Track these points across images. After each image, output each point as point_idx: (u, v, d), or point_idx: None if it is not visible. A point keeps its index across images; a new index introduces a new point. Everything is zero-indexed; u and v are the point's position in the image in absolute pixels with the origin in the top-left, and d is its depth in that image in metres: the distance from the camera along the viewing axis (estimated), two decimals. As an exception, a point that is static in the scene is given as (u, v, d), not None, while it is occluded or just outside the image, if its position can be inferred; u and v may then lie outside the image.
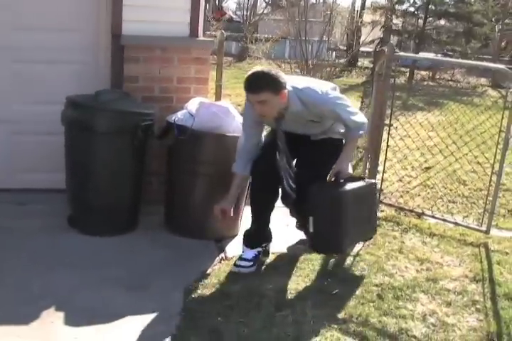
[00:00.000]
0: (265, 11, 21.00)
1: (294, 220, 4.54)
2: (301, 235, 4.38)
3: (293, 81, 3.92)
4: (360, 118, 3.98)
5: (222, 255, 4.19)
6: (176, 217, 4.56)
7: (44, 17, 4.95)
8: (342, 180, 3.87)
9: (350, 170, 4.05)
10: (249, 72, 3.79)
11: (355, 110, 4.01)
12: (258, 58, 15.80)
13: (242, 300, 3.56)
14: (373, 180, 4.42)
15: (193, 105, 4.46)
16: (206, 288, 3.71)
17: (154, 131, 4.37)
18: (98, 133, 4.24)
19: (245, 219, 4.44)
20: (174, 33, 4.89)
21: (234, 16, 22.99)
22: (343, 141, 4.10)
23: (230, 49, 20.96)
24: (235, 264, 4.01)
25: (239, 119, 4.33)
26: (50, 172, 4.95)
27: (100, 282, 3.72)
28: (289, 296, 3.69)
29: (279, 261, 4.15)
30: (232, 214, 4.11)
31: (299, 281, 3.88)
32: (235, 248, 4.30)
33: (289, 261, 4.17)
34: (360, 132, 4.00)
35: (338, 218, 3.83)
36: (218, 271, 3.93)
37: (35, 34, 4.94)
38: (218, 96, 5.33)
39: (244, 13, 21.49)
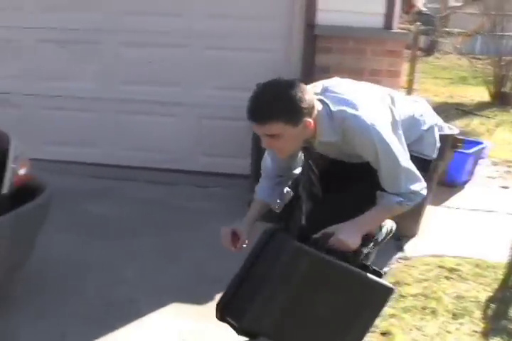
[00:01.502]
0: (457, 4, 20.26)
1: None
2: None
3: (335, 94, 2.62)
4: (413, 184, 2.59)
5: (400, 254, 4.07)
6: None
7: (238, 5, 5.05)
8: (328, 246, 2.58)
9: (354, 245, 2.59)
10: (256, 89, 2.55)
11: (413, 169, 2.60)
12: (447, 53, 15.29)
13: (418, 303, 3.44)
14: (391, 286, 2.76)
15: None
16: (381, 287, 3.62)
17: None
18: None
19: (428, 219, 4.31)
20: (368, 24, 4.80)
21: (424, 9, 22.33)
22: (431, 160, 2.92)
23: (419, 42, 20.44)
24: None
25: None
26: (234, 157, 5.05)
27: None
28: (468, 304, 3.51)
29: (461, 265, 3.95)
30: (243, 245, 2.90)
31: (479, 289, 3.69)
32: (415, 248, 4.18)
33: (471, 266, 3.97)
34: (399, 201, 2.59)
35: (269, 275, 2.55)
36: (396, 270, 3.82)
37: (229, 21, 5.06)
38: (410, 91, 5.19)
39: (436, 5, 20.85)
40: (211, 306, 3.29)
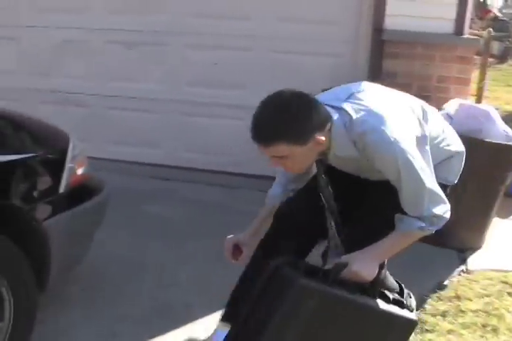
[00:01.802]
0: (535, 10, 19.74)
1: None
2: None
3: (359, 102, 2.39)
4: (436, 207, 2.34)
5: (463, 267, 3.94)
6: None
7: (305, 8, 5.01)
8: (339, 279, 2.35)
9: (370, 276, 2.37)
10: (259, 105, 2.35)
11: (438, 191, 2.36)
12: (521, 60, 14.92)
13: (478, 320, 3.31)
14: (413, 317, 2.47)
15: (452, 106, 4.24)
16: (441, 300, 3.50)
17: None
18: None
19: (494, 231, 4.21)
20: (438, 29, 4.70)
21: (499, 15, 21.85)
22: (450, 185, 2.66)
23: (492, 49, 20.00)
24: None
25: (500, 125, 4.03)
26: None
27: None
28: (533, 323, 3.37)
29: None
30: (246, 255, 2.82)
31: (543, 307, 3.54)
32: (478, 261, 4.05)
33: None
34: (421, 226, 2.35)
35: (273, 315, 2.32)
36: (457, 283, 3.69)
37: (295, 25, 5.03)
38: (479, 99, 5.05)
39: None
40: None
